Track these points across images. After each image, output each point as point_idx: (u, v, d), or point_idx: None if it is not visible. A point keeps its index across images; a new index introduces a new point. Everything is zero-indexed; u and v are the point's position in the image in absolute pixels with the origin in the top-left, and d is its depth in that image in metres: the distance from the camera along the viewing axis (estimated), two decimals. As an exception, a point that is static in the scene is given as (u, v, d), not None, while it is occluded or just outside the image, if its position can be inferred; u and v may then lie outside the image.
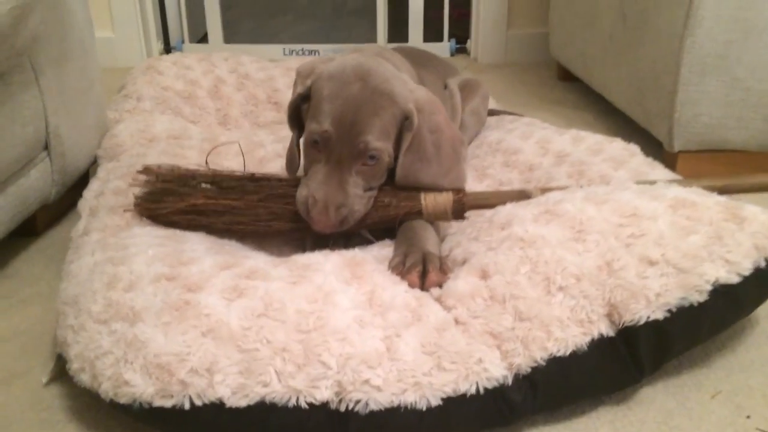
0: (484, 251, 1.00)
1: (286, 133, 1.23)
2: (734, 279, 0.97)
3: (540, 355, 0.88)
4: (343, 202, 1.07)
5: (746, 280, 0.98)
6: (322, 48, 2.96)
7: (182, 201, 1.14)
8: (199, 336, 0.85)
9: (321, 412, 0.82)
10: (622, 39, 1.94)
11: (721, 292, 0.96)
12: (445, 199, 1.14)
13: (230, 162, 1.44)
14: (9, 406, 0.97)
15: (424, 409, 0.83)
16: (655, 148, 1.68)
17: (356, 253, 1.03)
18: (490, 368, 0.86)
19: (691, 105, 1.64)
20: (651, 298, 0.93)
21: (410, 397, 0.83)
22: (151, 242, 1.05)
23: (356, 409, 0.82)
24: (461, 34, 3.07)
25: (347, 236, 1.14)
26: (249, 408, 0.82)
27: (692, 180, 1.17)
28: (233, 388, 0.82)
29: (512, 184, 1.42)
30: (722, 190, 1.12)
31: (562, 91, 2.52)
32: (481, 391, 0.85)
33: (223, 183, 1.16)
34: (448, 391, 0.84)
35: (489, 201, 1.15)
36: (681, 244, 0.98)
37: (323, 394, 0.82)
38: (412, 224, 1.12)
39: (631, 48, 1.88)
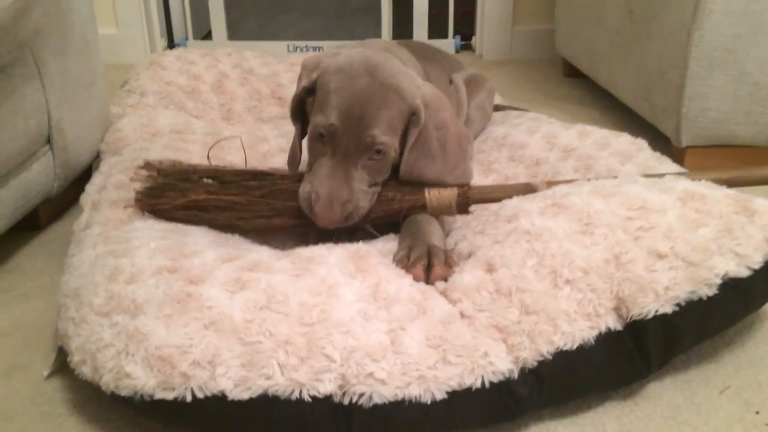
0: (490, 244, 0.99)
1: (290, 128, 1.23)
2: (744, 272, 0.95)
3: (546, 349, 0.87)
4: (348, 197, 1.06)
5: (756, 274, 0.96)
6: (327, 45, 2.95)
7: (183, 196, 1.13)
8: (201, 328, 0.84)
9: (324, 405, 0.81)
10: (629, 33, 1.93)
11: (730, 286, 0.94)
12: (449, 194, 1.13)
13: (233, 156, 1.43)
14: (10, 399, 0.97)
15: (429, 402, 0.82)
16: (662, 143, 1.66)
17: (360, 247, 1.02)
18: (496, 362, 0.85)
19: (699, 100, 1.63)
20: (660, 292, 0.91)
21: (415, 391, 0.82)
22: (153, 235, 1.05)
23: (360, 402, 0.81)
24: (466, 30, 3.06)
25: (351, 231, 1.13)
26: (251, 401, 0.81)
27: (699, 173, 1.16)
28: (235, 381, 0.81)
29: (518, 178, 1.41)
30: (729, 183, 1.11)
31: (567, 87, 2.51)
32: (487, 384, 0.84)
33: (225, 178, 1.15)
34: (453, 384, 0.83)
35: (494, 195, 1.14)
36: (690, 237, 0.96)
37: (327, 387, 0.81)
38: (417, 218, 1.11)
39: (638, 42, 1.87)
